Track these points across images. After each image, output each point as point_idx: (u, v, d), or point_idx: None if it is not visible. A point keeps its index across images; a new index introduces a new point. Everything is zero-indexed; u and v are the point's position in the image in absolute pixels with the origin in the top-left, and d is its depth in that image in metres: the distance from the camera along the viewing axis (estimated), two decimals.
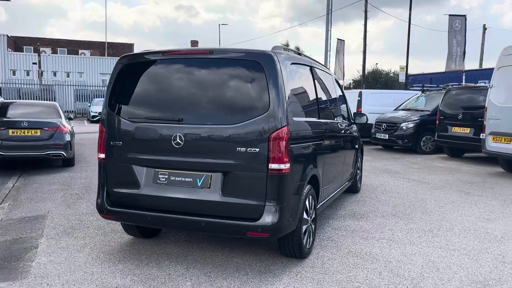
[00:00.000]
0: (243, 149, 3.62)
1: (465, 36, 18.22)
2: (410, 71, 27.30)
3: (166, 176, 3.89)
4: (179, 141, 3.78)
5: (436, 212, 6.04)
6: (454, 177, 8.94)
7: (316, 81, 4.82)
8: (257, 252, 4.31)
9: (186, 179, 3.83)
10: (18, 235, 4.91)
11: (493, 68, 10.01)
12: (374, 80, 47.82)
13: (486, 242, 4.75)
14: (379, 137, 13.53)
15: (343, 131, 5.84)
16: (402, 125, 12.80)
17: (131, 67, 4.13)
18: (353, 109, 14.66)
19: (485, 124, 9.45)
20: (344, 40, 22.83)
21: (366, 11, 26.11)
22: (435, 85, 15.75)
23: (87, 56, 42.61)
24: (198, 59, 3.91)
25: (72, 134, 9.75)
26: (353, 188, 6.97)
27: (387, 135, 13.16)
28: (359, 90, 15.67)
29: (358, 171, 7.15)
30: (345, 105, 6.48)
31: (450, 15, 18.41)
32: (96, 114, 26.39)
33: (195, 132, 3.77)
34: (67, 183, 7.87)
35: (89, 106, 29.02)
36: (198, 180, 3.79)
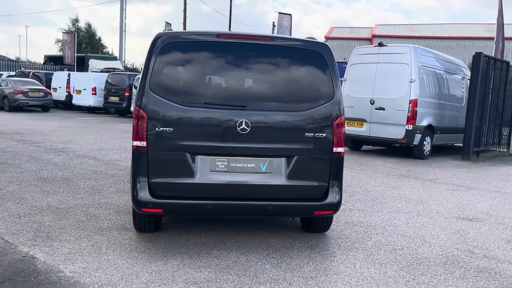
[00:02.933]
0: (311, 134, 3.87)
1: (290, 33, 20.67)
2: None
3: (226, 163, 3.81)
4: (245, 127, 3.75)
5: (354, 185, 7.21)
6: None
7: None
8: (278, 232, 4.57)
9: (249, 165, 3.84)
10: None
11: None
12: None
13: (418, 205, 6.09)
14: None
15: None
16: None
17: (176, 47, 3.80)
18: None
19: None
20: (171, 24, 22.76)
21: None
22: None
23: None
24: (258, 45, 3.89)
25: None
26: None
27: None
28: None
29: None
30: None
31: (279, 13, 20.57)
32: None
33: (262, 118, 3.81)
34: None
35: None
36: (261, 165, 3.85)
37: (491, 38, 36.34)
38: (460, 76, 12.76)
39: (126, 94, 19.16)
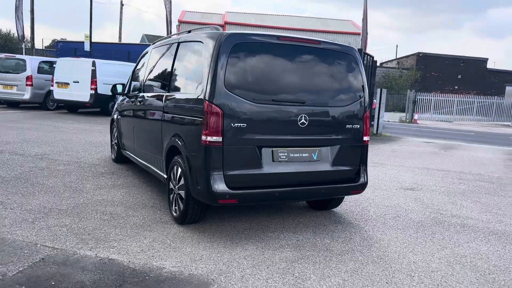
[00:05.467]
0: (350, 125, 4.54)
1: (170, 17, 20.23)
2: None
3: (286, 154, 4.24)
4: (304, 121, 4.23)
5: None
6: None
7: None
8: (299, 212, 5.18)
9: (303, 155, 4.34)
10: (34, 256, 3.60)
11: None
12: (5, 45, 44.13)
13: None
14: None
15: None
16: None
17: (244, 47, 4.02)
18: (87, 78, 14.35)
19: None
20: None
21: None
22: None
23: None
24: (309, 47, 4.35)
25: None
26: None
27: None
28: (91, 59, 15.10)
29: None
30: None
31: None
32: None
33: (317, 112, 4.33)
34: None
35: None
36: (313, 154, 4.39)
37: (328, 32, 41.21)
38: None
39: None
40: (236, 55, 3.99)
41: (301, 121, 4.22)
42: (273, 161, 4.18)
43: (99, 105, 15.50)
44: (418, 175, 8.16)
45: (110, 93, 15.26)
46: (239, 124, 3.98)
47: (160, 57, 5.64)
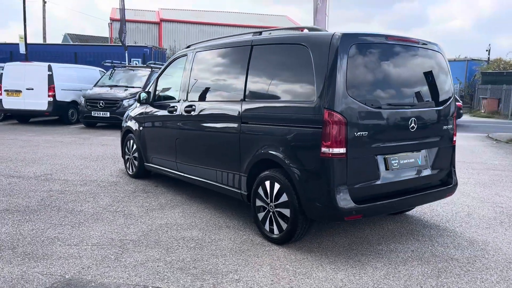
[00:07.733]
0: (445, 126, 4.40)
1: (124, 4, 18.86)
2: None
3: (397, 161, 3.99)
4: (414, 125, 4.01)
5: None
6: None
7: None
8: (380, 220, 4.97)
9: (410, 161, 4.12)
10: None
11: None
12: None
13: None
14: (97, 115, 12.89)
15: None
16: (123, 102, 12.80)
17: (358, 49, 3.68)
18: (44, 85, 13.21)
19: None
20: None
21: None
22: (119, 62, 15.95)
23: None
24: (411, 47, 4.10)
25: None
26: None
27: (109, 113, 12.78)
28: (46, 63, 13.68)
29: None
30: None
31: None
32: None
33: (423, 115, 4.12)
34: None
35: None
36: (417, 159, 4.18)
37: (268, 28, 41.31)
38: None
39: None
40: (353, 58, 3.66)
41: (411, 125, 4.00)
42: (386, 169, 3.91)
43: (59, 113, 14.15)
44: None
45: (69, 100, 14.10)
46: (361, 133, 3.66)
47: (217, 62, 5.10)
